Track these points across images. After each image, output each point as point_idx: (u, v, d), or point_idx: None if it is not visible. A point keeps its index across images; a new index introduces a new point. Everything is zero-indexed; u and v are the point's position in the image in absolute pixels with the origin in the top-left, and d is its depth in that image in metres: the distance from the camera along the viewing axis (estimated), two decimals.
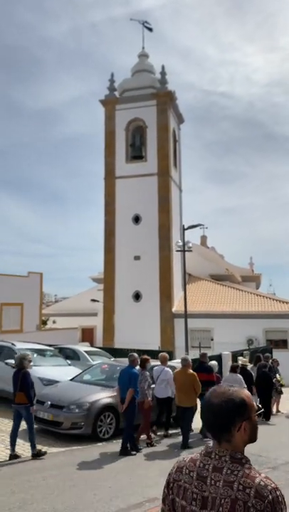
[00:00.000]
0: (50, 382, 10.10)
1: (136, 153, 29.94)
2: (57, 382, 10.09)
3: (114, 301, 28.71)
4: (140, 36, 33.13)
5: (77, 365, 13.21)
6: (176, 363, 14.43)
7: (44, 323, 32.16)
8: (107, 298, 28.94)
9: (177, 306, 28.05)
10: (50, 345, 14.69)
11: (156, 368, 9.74)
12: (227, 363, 17.80)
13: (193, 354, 20.59)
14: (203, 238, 42.50)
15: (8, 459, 7.11)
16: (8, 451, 7.28)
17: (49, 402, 8.76)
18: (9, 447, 7.27)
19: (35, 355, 11.88)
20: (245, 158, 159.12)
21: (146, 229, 28.59)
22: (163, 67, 30.85)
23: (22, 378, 7.19)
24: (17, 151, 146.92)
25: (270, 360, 14.16)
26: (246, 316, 26.93)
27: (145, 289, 28.23)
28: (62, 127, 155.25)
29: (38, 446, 7.44)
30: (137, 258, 28.58)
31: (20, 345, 12.22)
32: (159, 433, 9.58)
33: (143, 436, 8.86)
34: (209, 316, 27.23)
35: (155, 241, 28.41)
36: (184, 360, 9.15)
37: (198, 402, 8.84)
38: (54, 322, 34.65)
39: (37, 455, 7.18)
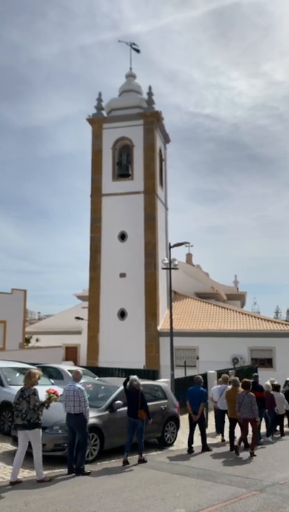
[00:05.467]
0: None
1: (123, 171, 30.15)
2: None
3: (99, 319, 28.43)
4: (128, 58, 33.84)
5: (60, 384, 12.90)
6: (162, 382, 14.30)
7: (27, 341, 31.60)
8: (91, 316, 28.65)
9: (162, 325, 27.90)
10: (33, 364, 14.38)
11: (219, 386, 12.39)
12: (213, 382, 17.68)
13: (178, 373, 20.42)
14: (189, 256, 42.67)
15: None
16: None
17: None
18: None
19: (17, 374, 11.61)
20: (230, 178, 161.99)
21: (132, 246, 28.60)
22: (150, 88, 31.41)
23: (141, 398, 8.84)
24: (2, 167, 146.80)
25: None
26: (231, 334, 26.91)
27: (130, 307, 28.06)
28: (50, 145, 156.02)
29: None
30: (122, 275, 28.48)
31: (2, 364, 11.93)
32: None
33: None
34: (194, 335, 27.13)
35: (141, 259, 28.40)
36: (234, 381, 10.88)
37: None
38: (37, 340, 34.07)
39: (142, 461, 8.74)
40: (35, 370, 7.74)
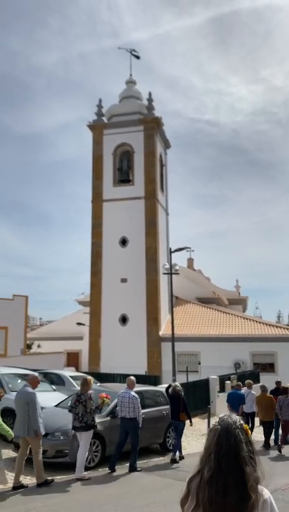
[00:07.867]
0: None
1: (123, 177, 30.26)
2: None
3: (101, 325, 28.42)
4: (128, 65, 34.06)
5: (62, 390, 12.94)
6: (163, 387, 14.26)
7: (29, 347, 31.59)
8: (93, 321, 28.65)
9: (164, 330, 27.88)
10: (34, 370, 14.38)
11: (244, 391, 12.71)
12: (214, 388, 17.65)
13: (180, 379, 20.40)
14: (190, 261, 42.69)
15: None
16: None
17: None
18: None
19: (18, 380, 11.62)
20: (230, 183, 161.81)
21: (134, 252, 28.65)
22: (150, 94, 31.58)
23: (183, 403, 9.81)
24: (3, 173, 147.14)
25: None
26: (233, 339, 26.87)
27: (132, 312, 28.05)
28: (51, 151, 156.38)
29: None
30: (123, 281, 28.50)
31: (3, 370, 11.96)
32: None
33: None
34: (196, 340, 27.10)
35: (142, 264, 28.43)
36: (263, 387, 12.22)
37: None
38: (39, 346, 34.05)
39: (180, 458, 9.52)
40: (89, 377, 8.71)
